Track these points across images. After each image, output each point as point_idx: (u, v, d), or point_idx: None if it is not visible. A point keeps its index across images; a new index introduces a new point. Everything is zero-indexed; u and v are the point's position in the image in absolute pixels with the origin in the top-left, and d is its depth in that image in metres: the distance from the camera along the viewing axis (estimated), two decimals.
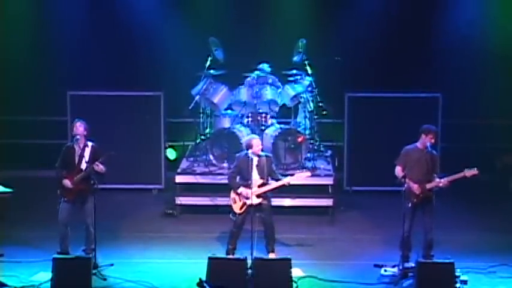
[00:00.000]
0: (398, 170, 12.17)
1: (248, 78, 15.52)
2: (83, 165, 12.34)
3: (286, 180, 12.54)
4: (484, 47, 16.69)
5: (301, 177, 12.69)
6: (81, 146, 12.41)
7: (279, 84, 15.57)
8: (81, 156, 12.39)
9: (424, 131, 12.13)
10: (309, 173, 12.93)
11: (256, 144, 12.54)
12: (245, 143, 12.93)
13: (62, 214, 12.39)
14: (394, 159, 12.33)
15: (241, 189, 12.43)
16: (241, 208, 12.50)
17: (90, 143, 12.47)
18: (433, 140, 12.08)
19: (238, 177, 12.60)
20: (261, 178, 12.44)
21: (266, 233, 12.52)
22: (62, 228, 12.41)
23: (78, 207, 12.42)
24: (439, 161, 12.20)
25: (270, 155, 13.01)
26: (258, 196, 12.39)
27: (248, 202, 12.39)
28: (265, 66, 15.56)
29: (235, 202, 12.56)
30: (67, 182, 12.31)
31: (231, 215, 12.67)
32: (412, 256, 12.13)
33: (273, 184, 12.53)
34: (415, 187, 12.06)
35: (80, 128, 12.40)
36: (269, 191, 12.56)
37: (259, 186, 12.41)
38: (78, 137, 12.38)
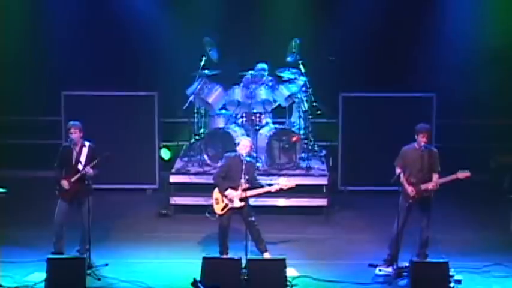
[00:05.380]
0: (397, 171, 12.14)
1: (246, 76, 15.51)
2: (80, 166, 12.32)
3: (273, 188, 12.40)
4: (478, 46, 16.70)
5: (285, 187, 12.44)
6: (78, 146, 12.40)
7: (274, 84, 15.57)
8: (78, 156, 12.37)
9: (416, 130, 12.12)
10: (293, 184, 12.52)
11: (242, 144, 12.46)
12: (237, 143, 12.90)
13: (58, 214, 12.40)
14: (388, 159, 12.32)
15: (228, 191, 12.34)
16: (222, 209, 12.42)
17: (87, 143, 12.44)
18: (425, 139, 12.05)
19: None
20: (246, 182, 12.33)
21: (251, 232, 12.30)
22: (57, 229, 12.41)
23: (75, 208, 12.41)
24: (438, 158, 12.15)
25: (253, 160, 12.94)
26: (241, 200, 12.34)
27: (231, 205, 12.33)
28: (263, 66, 15.57)
29: (217, 203, 12.45)
30: (64, 183, 12.29)
31: (207, 213, 12.66)
32: (405, 255, 12.11)
33: (259, 189, 12.41)
34: (409, 189, 12.05)
35: (75, 134, 12.33)
36: (253, 196, 12.50)
37: (243, 190, 12.31)
38: (72, 138, 12.35)
